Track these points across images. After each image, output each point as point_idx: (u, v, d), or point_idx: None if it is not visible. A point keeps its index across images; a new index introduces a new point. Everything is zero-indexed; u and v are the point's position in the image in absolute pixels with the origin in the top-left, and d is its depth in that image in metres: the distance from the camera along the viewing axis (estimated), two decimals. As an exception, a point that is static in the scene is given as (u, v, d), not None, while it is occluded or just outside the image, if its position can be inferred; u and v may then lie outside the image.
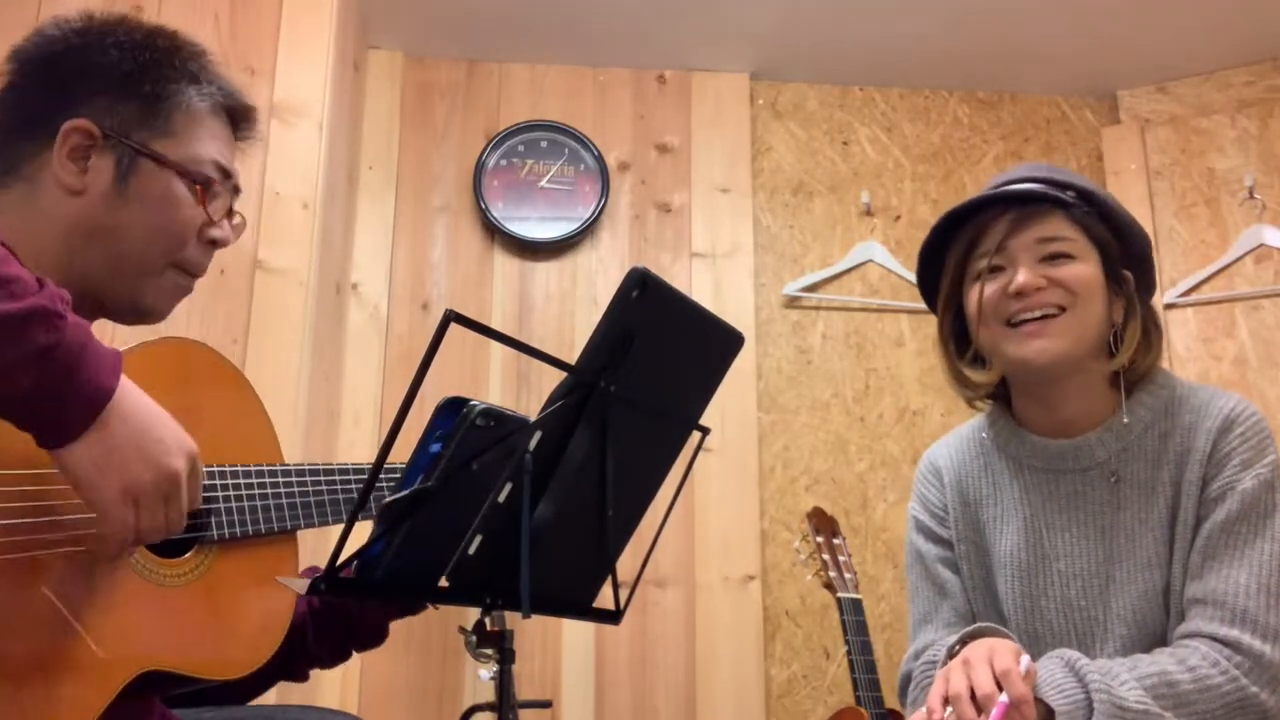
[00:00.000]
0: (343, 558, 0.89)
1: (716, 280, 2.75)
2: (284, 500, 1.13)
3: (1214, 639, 1.16)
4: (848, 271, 2.82)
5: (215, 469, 1.07)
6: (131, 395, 0.87)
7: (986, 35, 2.73)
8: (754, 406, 2.68)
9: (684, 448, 1.12)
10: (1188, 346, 2.67)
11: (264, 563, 1.11)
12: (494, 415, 0.96)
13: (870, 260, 2.80)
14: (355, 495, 1.20)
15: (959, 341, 1.40)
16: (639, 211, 2.79)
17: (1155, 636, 1.24)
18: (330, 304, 2.36)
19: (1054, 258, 1.27)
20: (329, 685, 2.35)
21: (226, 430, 1.10)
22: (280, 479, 1.13)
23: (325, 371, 2.32)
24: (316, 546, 1.95)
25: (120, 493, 0.85)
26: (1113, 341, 1.29)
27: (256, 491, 1.10)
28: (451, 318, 0.82)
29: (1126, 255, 1.31)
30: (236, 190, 1.17)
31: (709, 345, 1.07)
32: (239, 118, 1.17)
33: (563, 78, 2.86)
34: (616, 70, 2.87)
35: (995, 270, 1.30)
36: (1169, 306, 2.69)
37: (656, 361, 1.00)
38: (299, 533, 1.16)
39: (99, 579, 0.93)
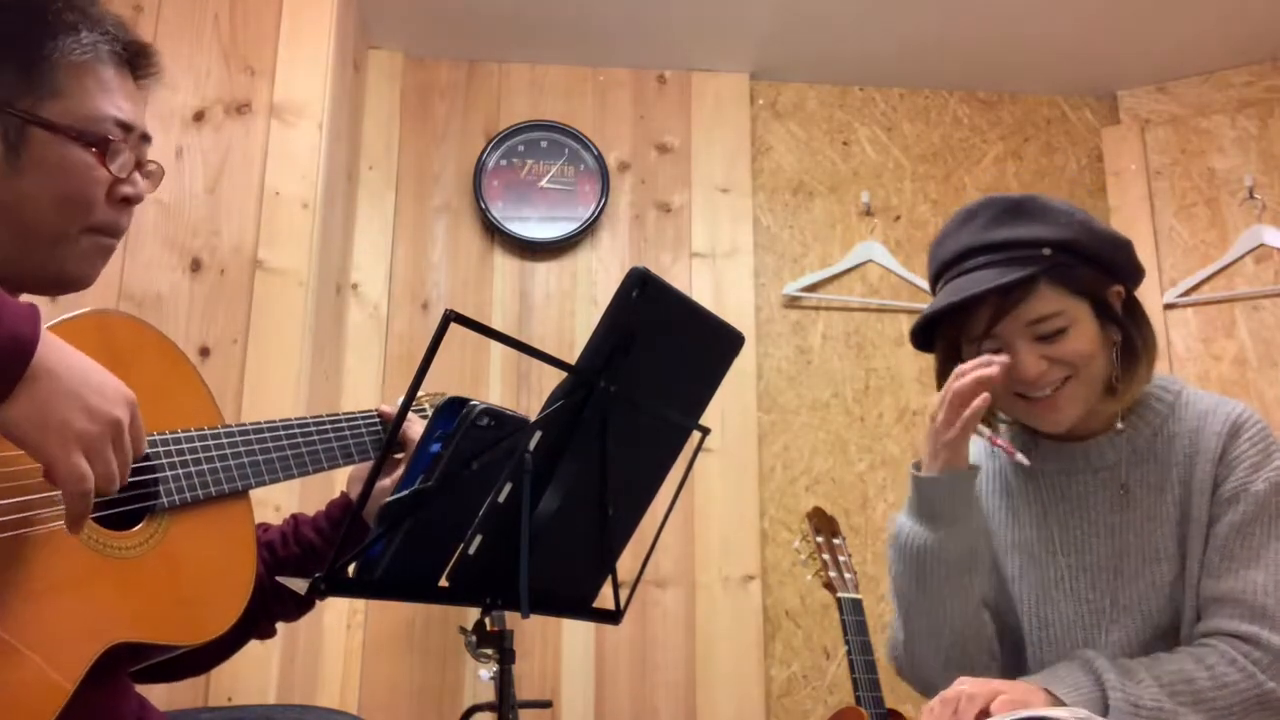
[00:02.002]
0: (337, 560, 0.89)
1: (716, 280, 2.75)
2: (230, 461, 1.12)
3: (1233, 636, 1.19)
4: (848, 271, 2.82)
5: (157, 436, 1.05)
6: (58, 349, 0.84)
7: (986, 35, 2.73)
8: (754, 406, 2.68)
9: (684, 447, 1.12)
10: (1188, 346, 2.67)
11: (218, 524, 1.10)
12: (494, 415, 0.96)
13: (870, 260, 2.80)
14: (302, 450, 1.20)
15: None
16: (639, 211, 2.79)
17: (1160, 627, 1.27)
18: (330, 304, 2.36)
19: (1048, 336, 1.26)
20: (329, 685, 2.35)
21: (161, 398, 1.09)
22: (225, 440, 1.12)
23: (325, 371, 2.32)
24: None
25: (67, 444, 0.82)
26: (1117, 360, 1.30)
27: (201, 455, 1.09)
28: (451, 318, 0.82)
29: (1112, 273, 1.30)
30: (145, 139, 1.10)
31: (709, 345, 1.07)
32: (133, 60, 1.09)
33: (563, 78, 2.86)
34: (616, 70, 2.87)
35: (994, 353, 1.29)
36: (1169, 306, 2.69)
37: (656, 361, 1.00)
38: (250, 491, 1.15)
39: (50, 559, 0.92)
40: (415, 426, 1.31)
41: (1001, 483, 1.43)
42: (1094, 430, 1.34)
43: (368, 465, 1.33)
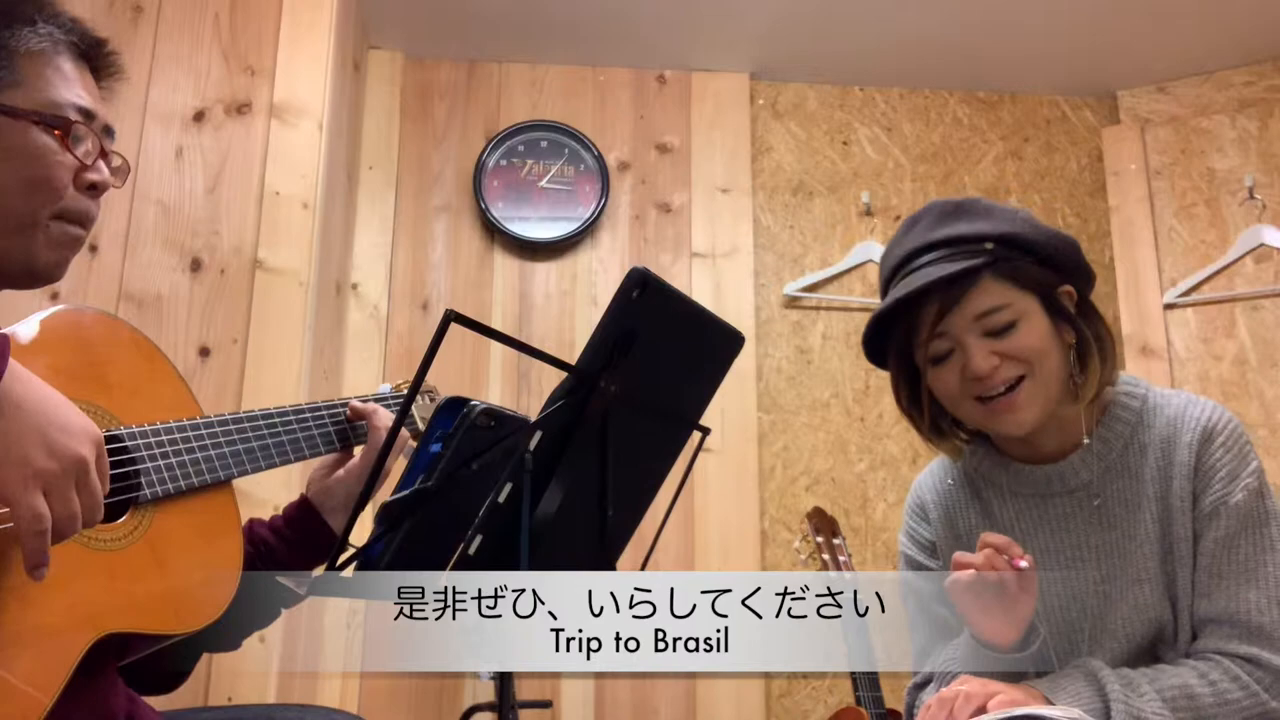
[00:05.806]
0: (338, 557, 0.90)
1: (716, 280, 2.75)
2: (211, 451, 1.12)
3: (1235, 657, 1.18)
4: (848, 271, 2.82)
5: (136, 429, 1.05)
6: (24, 383, 0.83)
7: (986, 35, 2.73)
8: (754, 406, 2.68)
9: (684, 447, 1.12)
10: (1188, 346, 2.67)
11: (203, 514, 1.10)
12: (494, 415, 0.96)
13: (870, 260, 2.80)
14: (283, 439, 1.21)
15: (916, 396, 1.38)
16: (639, 211, 2.79)
17: (1142, 649, 1.26)
18: (330, 304, 2.36)
19: (998, 331, 1.23)
20: (329, 685, 2.35)
21: (138, 392, 1.09)
22: (204, 431, 1.12)
23: (325, 371, 2.32)
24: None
25: (25, 482, 0.80)
26: (1075, 361, 1.27)
27: (182, 446, 1.09)
28: (452, 318, 0.82)
29: (1059, 273, 1.28)
30: (108, 132, 1.11)
31: (709, 345, 1.08)
32: (92, 56, 1.10)
33: (563, 78, 2.86)
34: (616, 70, 2.87)
35: (945, 355, 1.27)
36: (1169, 306, 2.69)
37: (657, 361, 1.01)
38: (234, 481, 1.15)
39: None
40: (382, 415, 1.31)
41: (979, 512, 1.39)
42: (1065, 449, 1.31)
43: (326, 463, 1.34)
